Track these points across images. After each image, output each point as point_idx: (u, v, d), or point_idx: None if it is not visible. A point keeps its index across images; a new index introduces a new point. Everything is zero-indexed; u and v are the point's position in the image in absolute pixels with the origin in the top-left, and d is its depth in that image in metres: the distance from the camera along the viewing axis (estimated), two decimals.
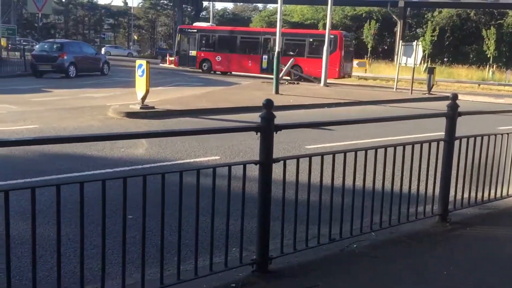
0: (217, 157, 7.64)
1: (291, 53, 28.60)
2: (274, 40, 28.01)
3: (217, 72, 31.00)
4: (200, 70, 31.22)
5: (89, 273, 3.54)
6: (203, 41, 31.83)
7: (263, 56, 29.62)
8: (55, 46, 24.15)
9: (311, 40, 28.87)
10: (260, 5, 77.70)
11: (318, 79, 25.99)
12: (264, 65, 29.45)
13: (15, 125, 9.80)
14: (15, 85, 18.88)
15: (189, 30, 33.29)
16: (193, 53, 31.70)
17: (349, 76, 29.88)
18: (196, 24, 36.70)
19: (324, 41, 24.15)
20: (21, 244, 4.03)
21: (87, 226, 4.09)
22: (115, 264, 3.76)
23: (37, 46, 26.00)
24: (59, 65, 22.83)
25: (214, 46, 31.56)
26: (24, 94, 15.83)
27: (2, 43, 31.83)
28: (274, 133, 3.45)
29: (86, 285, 3.16)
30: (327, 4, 24.47)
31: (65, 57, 22.96)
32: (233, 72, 31.06)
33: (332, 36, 26.59)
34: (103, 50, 57.58)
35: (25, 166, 6.59)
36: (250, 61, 30.13)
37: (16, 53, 30.75)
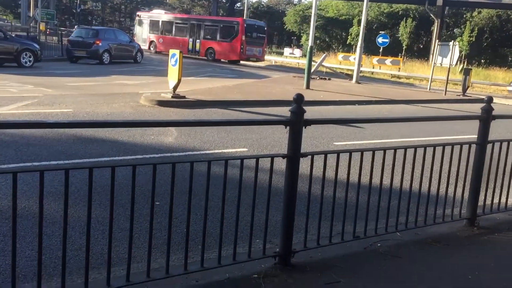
0: (245, 149, 7.68)
1: (209, 37, 33.71)
2: (199, 25, 34.39)
3: (162, 52, 34.42)
4: (151, 51, 36.01)
5: (115, 255, 3.64)
6: (151, 26, 37.05)
7: (190, 39, 34.47)
8: (90, 32, 24.61)
9: (221, 26, 33.31)
10: None
11: (350, 76, 25.79)
12: (190, 46, 34.40)
13: (50, 108, 10.06)
14: (52, 69, 19.35)
15: (142, 15, 38.73)
16: (144, 35, 37.20)
17: (259, 60, 33.82)
18: (154, 11, 41.13)
19: (230, 26, 32.05)
20: (52, 224, 4.16)
21: (115, 209, 4.21)
22: (140, 248, 3.85)
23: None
24: (94, 52, 23.27)
25: (158, 30, 36.64)
26: (60, 78, 16.21)
27: (40, 28, 32.63)
28: (303, 127, 3.46)
29: (113, 267, 3.25)
30: (362, 0, 24.17)
31: (100, 44, 23.36)
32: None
33: (235, 22, 32.64)
34: None
35: (59, 149, 6.77)
36: (181, 43, 33.80)
37: (54, 37, 31.49)
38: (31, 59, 19.20)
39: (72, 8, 58.82)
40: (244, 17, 51.35)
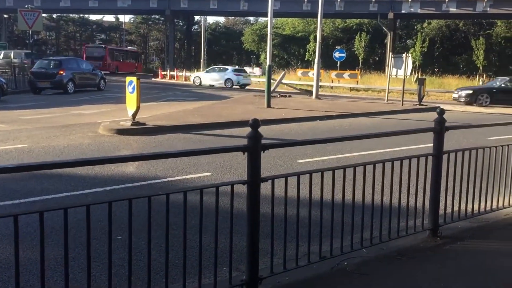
0: (208, 173, 7.62)
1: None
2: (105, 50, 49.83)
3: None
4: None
5: None
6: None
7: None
8: (53, 63, 24.54)
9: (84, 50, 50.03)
10: (251, 19, 78.19)
11: (310, 92, 26.16)
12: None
13: (4, 144, 9.72)
14: (4, 102, 18.79)
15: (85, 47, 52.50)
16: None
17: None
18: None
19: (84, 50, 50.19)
20: (8, 269, 3.97)
21: (74, 248, 4.06)
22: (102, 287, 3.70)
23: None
24: (58, 82, 23.34)
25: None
26: (14, 111, 15.76)
27: None
28: (262, 152, 3.44)
29: None
30: (316, 17, 24.69)
31: (64, 74, 23.39)
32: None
33: (84, 47, 51.70)
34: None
35: (12, 187, 6.50)
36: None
37: (7, 70, 30.66)
38: None
39: (25, 38, 57.60)
40: (202, 38, 54.91)
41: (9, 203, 5.74)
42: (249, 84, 35.47)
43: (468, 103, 24.05)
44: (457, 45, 55.71)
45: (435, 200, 4.75)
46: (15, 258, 2.61)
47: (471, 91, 24.70)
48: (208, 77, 35.49)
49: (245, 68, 46.48)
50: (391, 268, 4.10)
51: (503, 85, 24.17)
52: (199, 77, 36.63)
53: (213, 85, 34.23)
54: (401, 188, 4.53)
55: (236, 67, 38.15)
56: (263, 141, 3.42)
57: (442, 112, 4.69)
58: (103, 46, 53.28)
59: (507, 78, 25.46)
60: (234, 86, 33.65)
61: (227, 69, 35.52)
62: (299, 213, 3.79)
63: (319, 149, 9.86)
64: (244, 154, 3.40)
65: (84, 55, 47.23)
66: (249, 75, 36.59)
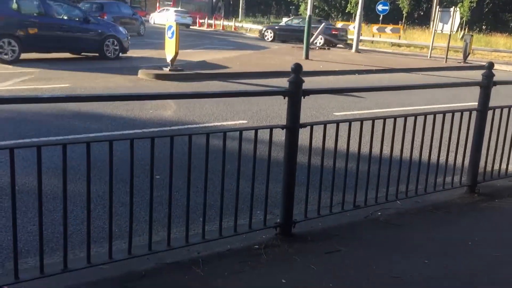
0: (244, 121, 7.65)
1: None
2: None
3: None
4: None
5: (117, 229, 3.65)
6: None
7: None
8: (94, 6, 24.84)
9: None
10: None
11: (349, 45, 25.54)
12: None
13: (47, 83, 9.99)
14: None
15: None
16: None
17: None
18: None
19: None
20: (53, 199, 4.17)
21: (115, 184, 4.20)
22: (142, 222, 3.86)
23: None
24: None
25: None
26: (54, 53, 16.02)
27: None
28: (302, 98, 3.42)
29: (115, 240, 3.27)
30: None
31: (106, 18, 23.57)
32: None
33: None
34: None
35: (58, 124, 6.75)
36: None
37: None
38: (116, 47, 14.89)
39: None
40: None
41: (53, 139, 5.96)
42: (189, 24, 39.83)
43: (259, 38, 29.19)
44: (509, 1, 52.64)
45: (476, 156, 4.65)
46: (63, 186, 2.72)
47: (260, 28, 29.95)
48: (158, 17, 40.97)
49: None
50: (425, 221, 4.10)
51: (283, 25, 28.43)
52: (153, 17, 42.58)
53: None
54: (441, 142, 4.45)
55: (178, 8, 43.89)
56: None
57: (491, 66, 4.51)
58: None
59: (290, 18, 30.20)
60: None
61: (169, 9, 41.80)
62: (335, 161, 3.80)
63: (357, 102, 9.73)
64: (284, 98, 3.39)
65: (158, 3, 49.47)
66: (187, 16, 40.70)
